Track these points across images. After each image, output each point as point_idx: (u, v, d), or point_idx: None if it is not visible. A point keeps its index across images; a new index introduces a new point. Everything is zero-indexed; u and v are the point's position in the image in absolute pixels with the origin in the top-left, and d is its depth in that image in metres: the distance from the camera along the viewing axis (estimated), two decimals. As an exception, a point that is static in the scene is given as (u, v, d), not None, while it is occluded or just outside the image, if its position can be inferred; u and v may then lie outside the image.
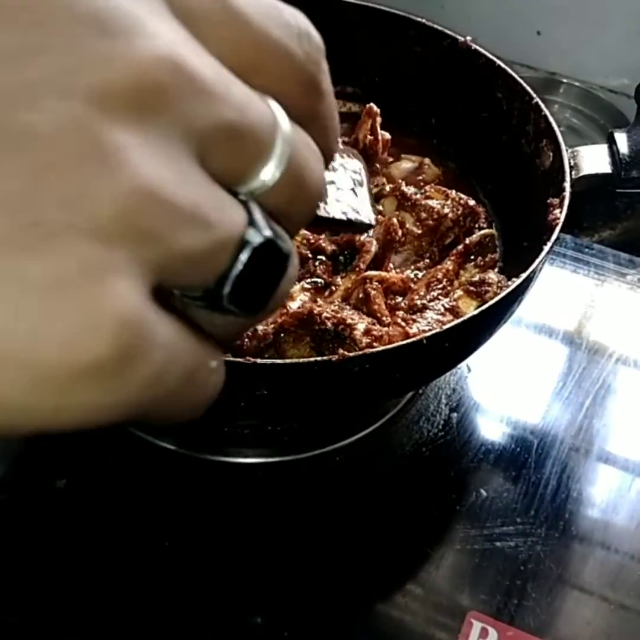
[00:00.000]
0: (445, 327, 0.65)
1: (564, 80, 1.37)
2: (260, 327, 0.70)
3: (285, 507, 0.78)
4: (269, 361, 0.60)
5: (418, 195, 0.84)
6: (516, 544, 0.77)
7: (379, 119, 0.89)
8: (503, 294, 0.68)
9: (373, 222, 0.50)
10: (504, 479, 0.82)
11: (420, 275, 0.81)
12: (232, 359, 0.63)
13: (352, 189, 0.49)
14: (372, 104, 0.90)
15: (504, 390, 0.91)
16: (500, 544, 0.77)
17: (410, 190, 0.85)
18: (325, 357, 0.61)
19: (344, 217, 0.47)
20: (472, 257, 0.83)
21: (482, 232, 0.84)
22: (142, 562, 0.73)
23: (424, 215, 0.82)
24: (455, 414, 0.86)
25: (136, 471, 0.79)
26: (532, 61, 1.36)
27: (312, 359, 0.61)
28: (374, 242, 0.78)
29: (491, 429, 0.86)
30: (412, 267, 0.82)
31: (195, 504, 0.77)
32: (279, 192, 0.29)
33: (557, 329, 0.98)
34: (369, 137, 0.90)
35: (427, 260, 0.82)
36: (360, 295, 0.75)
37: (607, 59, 1.33)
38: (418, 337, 0.63)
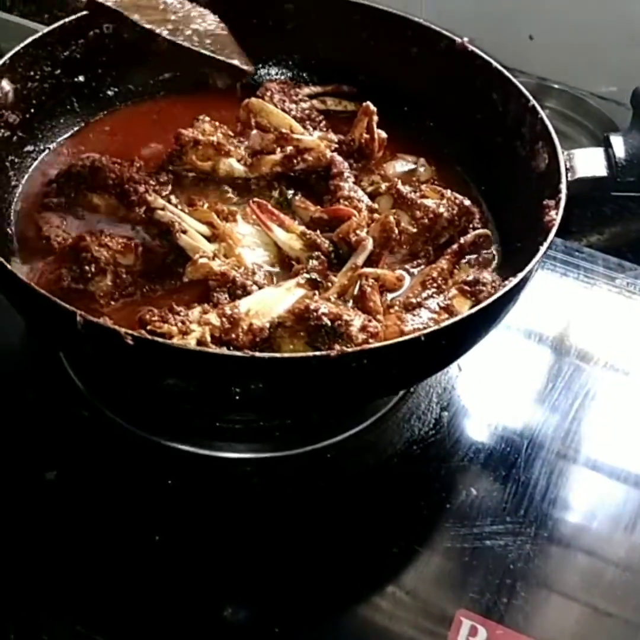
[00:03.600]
0: (442, 324, 0.65)
1: (555, 86, 1.37)
2: (256, 322, 0.69)
3: (274, 502, 0.78)
4: (267, 355, 0.60)
5: (414, 194, 0.84)
6: (506, 543, 0.77)
7: (375, 118, 0.90)
8: (499, 293, 0.69)
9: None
10: (494, 478, 0.82)
11: (415, 273, 0.81)
12: (229, 352, 0.63)
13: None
14: (368, 103, 0.90)
15: (494, 391, 0.91)
16: (490, 542, 0.77)
17: (406, 189, 0.85)
18: (323, 352, 0.61)
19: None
20: (467, 256, 0.83)
21: (477, 232, 0.84)
22: (132, 557, 0.72)
23: (419, 214, 0.82)
24: (446, 413, 0.86)
25: (127, 465, 0.78)
26: (524, 66, 1.37)
27: (310, 354, 0.61)
28: (370, 239, 0.78)
29: (481, 428, 0.87)
30: (407, 265, 0.82)
31: (185, 498, 0.76)
32: None
33: (546, 333, 0.98)
34: (365, 135, 0.90)
35: (422, 259, 0.82)
36: (356, 292, 0.75)
37: (597, 65, 1.34)
38: (416, 334, 0.63)
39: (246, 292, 0.74)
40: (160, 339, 0.60)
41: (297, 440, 0.79)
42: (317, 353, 0.61)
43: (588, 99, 1.37)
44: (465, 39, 0.93)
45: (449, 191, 0.85)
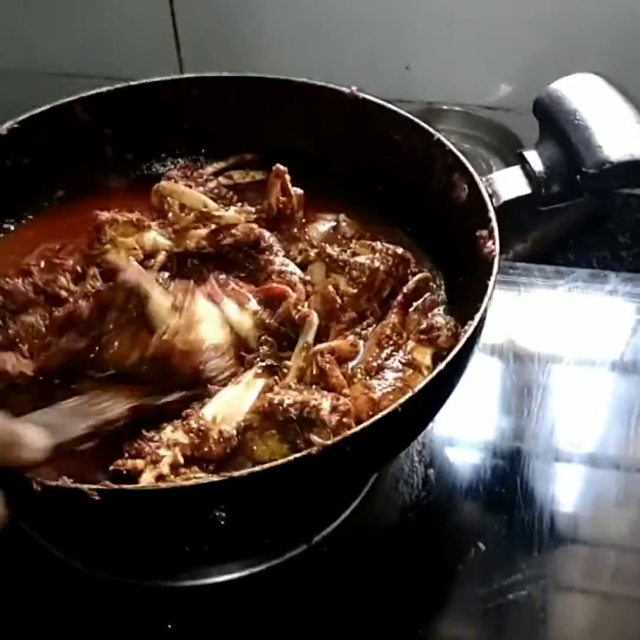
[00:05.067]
0: (416, 389, 0.61)
1: (444, 108, 1.38)
2: (225, 428, 0.64)
3: (281, 614, 0.72)
4: (245, 472, 0.55)
5: (345, 255, 0.81)
6: (529, 592, 0.73)
7: (288, 177, 0.86)
8: (462, 342, 0.65)
9: None
10: (499, 526, 0.78)
11: (368, 334, 0.77)
12: (204, 479, 0.58)
13: None
14: (278, 165, 0.86)
15: (470, 432, 0.88)
16: (513, 596, 0.72)
17: (335, 251, 0.81)
18: (304, 452, 0.56)
19: None
20: (413, 303, 0.80)
21: (417, 277, 0.81)
22: None
23: (355, 273, 0.79)
24: (431, 470, 0.82)
25: (111, 618, 0.71)
26: (406, 95, 1.36)
27: (291, 458, 0.56)
28: (314, 314, 0.74)
29: (471, 475, 0.83)
30: (357, 328, 0.78)
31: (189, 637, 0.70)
32: None
33: (506, 356, 0.96)
34: (281, 198, 0.86)
35: (370, 318, 0.79)
36: (315, 371, 0.71)
37: (479, 79, 1.35)
38: (392, 408, 0.59)
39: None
40: (129, 487, 0.54)
41: (290, 543, 0.74)
42: (298, 455, 0.56)
43: (479, 113, 1.38)
44: (354, 88, 0.90)
45: (378, 243, 0.82)
